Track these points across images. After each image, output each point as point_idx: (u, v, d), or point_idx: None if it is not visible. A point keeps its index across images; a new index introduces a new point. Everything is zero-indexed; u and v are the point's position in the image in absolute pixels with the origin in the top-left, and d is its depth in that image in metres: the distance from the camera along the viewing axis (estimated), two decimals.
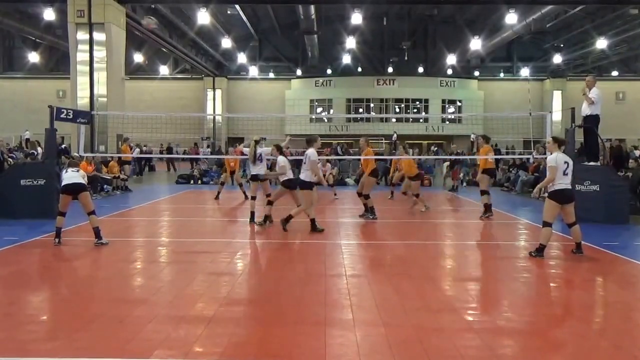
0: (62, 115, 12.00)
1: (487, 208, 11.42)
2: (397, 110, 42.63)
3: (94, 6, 21.01)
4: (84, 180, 8.41)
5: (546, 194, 7.76)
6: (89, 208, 8.31)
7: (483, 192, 11.48)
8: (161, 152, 32.56)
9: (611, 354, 4.32)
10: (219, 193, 15.41)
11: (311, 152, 9.69)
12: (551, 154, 7.63)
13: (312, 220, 9.66)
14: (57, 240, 8.25)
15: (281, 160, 10.13)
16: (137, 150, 25.54)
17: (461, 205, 15.18)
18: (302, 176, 9.71)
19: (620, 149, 15.46)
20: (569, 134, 11.41)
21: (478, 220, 11.35)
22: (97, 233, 8.29)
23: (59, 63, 40.07)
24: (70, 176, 8.33)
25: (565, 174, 7.42)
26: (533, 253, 7.57)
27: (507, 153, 30.77)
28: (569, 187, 7.52)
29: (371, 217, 11.22)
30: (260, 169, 10.73)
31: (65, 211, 8.40)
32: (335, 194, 15.94)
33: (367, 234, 10.37)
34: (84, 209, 8.36)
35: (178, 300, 5.62)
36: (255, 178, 10.82)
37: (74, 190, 8.25)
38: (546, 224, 7.54)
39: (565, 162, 7.42)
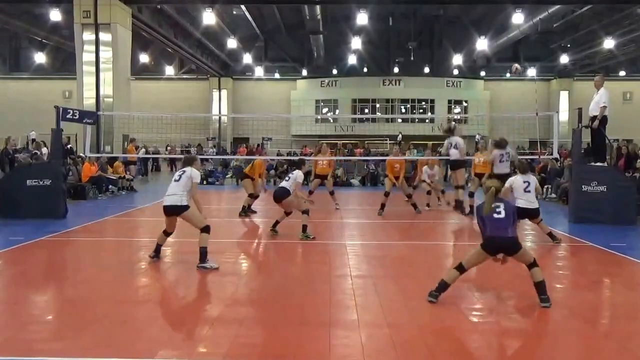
0: (68, 116, 12.05)
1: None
2: (403, 110, 42.56)
3: (100, 7, 21.09)
4: (185, 196, 6.83)
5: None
6: (197, 226, 6.90)
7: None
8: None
9: (618, 356, 4.28)
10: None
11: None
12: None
13: None
14: (153, 254, 7.23)
15: None
16: (143, 150, 25.64)
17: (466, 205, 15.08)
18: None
19: (627, 150, 15.35)
20: (575, 134, 11.35)
21: None
22: (201, 254, 6.82)
23: (65, 63, 40.19)
24: (171, 191, 6.90)
25: None
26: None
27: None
28: None
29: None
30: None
31: (170, 231, 7.20)
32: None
33: (372, 234, 10.34)
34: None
35: (182, 301, 5.61)
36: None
37: (171, 213, 6.94)
38: None
39: None
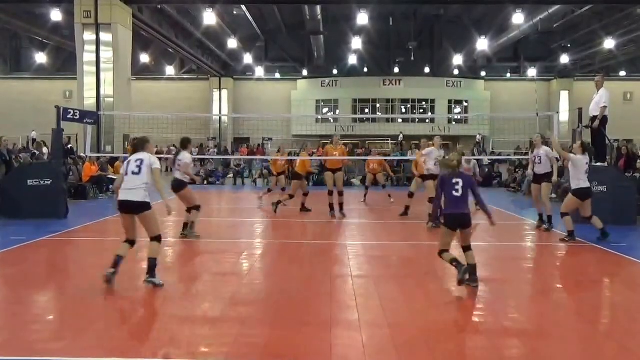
0: (69, 116, 12.06)
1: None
2: (403, 110, 42.52)
3: (101, 7, 21.10)
4: (148, 191, 5.90)
5: None
6: (152, 232, 6.02)
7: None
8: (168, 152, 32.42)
9: (618, 356, 4.28)
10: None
11: None
12: None
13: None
14: (111, 270, 5.93)
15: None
16: None
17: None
18: None
19: (627, 150, 15.36)
20: (576, 134, 11.36)
21: (484, 221, 11.29)
22: (151, 267, 5.96)
23: (66, 63, 40.15)
24: (130, 184, 5.88)
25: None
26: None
27: (515, 154, 30.60)
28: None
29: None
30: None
31: (131, 238, 6.08)
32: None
33: (372, 234, 10.34)
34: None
35: (183, 301, 5.61)
36: None
37: (132, 210, 5.93)
38: None
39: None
